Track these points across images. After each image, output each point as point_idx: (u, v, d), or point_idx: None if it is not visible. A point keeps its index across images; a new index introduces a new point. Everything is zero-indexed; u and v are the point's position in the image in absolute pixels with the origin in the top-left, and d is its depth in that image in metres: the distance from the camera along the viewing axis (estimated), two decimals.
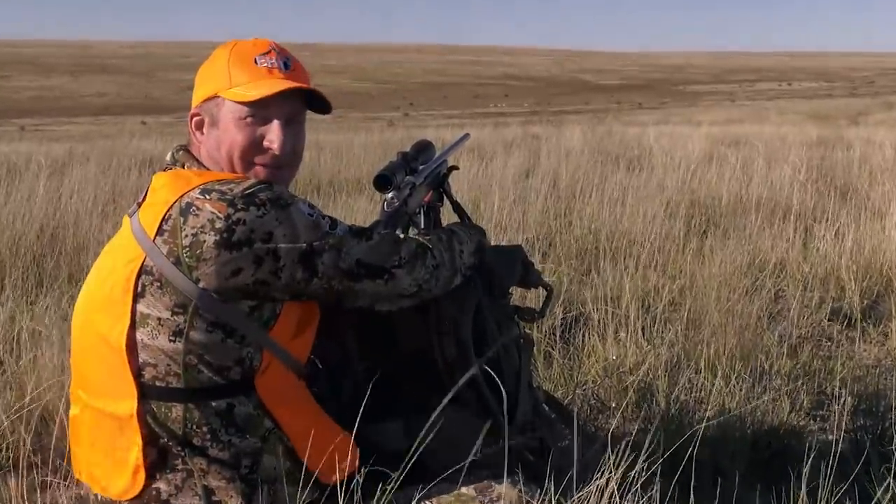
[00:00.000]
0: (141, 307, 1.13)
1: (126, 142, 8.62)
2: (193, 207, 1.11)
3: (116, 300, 1.15)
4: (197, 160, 1.23)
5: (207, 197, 1.11)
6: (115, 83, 79.85)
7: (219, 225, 1.09)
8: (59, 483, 1.73)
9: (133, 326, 1.13)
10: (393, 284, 1.20)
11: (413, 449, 1.19)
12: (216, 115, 1.21)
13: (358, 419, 1.19)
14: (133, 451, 1.14)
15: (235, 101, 1.19)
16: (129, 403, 1.13)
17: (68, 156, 6.82)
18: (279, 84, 1.18)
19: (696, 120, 15.00)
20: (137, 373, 1.14)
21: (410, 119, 30.19)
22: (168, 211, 1.12)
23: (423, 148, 1.64)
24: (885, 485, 1.58)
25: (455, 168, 1.71)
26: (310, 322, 1.21)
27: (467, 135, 1.98)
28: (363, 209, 4.19)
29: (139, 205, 1.20)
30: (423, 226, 1.63)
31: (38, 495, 1.59)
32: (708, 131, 9.72)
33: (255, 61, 1.20)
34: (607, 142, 8.07)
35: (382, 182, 1.48)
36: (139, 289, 1.13)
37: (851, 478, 1.61)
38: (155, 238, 1.12)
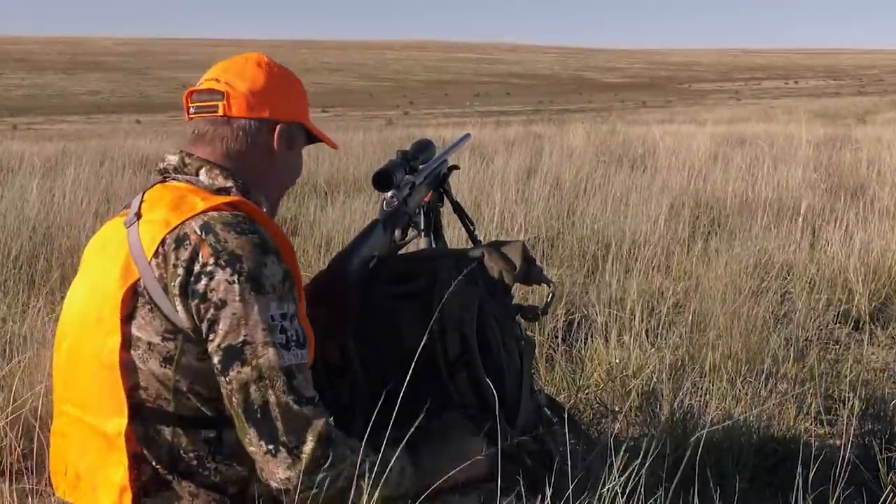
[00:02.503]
0: (132, 329, 1.11)
1: (120, 141, 8.62)
2: (188, 241, 1.10)
3: (106, 318, 1.12)
4: (217, 165, 1.19)
5: (203, 236, 1.09)
6: (109, 81, 79.86)
7: (194, 268, 1.08)
8: (49, 490, 1.70)
9: (124, 346, 1.11)
10: (270, 459, 1.06)
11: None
12: (296, 138, 1.25)
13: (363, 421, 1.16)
14: (119, 470, 1.11)
15: (316, 138, 1.27)
16: (117, 422, 1.10)
17: (61, 155, 6.81)
18: (328, 132, 1.29)
19: (701, 119, 14.96)
20: (129, 392, 1.11)
21: (410, 117, 30.16)
22: (167, 234, 1.10)
23: (424, 147, 1.62)
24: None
25: (456, 168, 1.70)
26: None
27: (468, 135, 1.97)
28: (361, 209, 4.16)
29: (137, 215, 1.16)
30: (422, 226, 1.60)
31: (29, 502, 1.56)
32: (713, 130, 9.67)
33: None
34: (611, 141, 8.04)
35: (381, 180, 1.46)
36: (130, 310, 1.11)
37: (860, 484, 1.58)
38: (151, 259, 1.10)
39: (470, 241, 1.73)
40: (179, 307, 1.08)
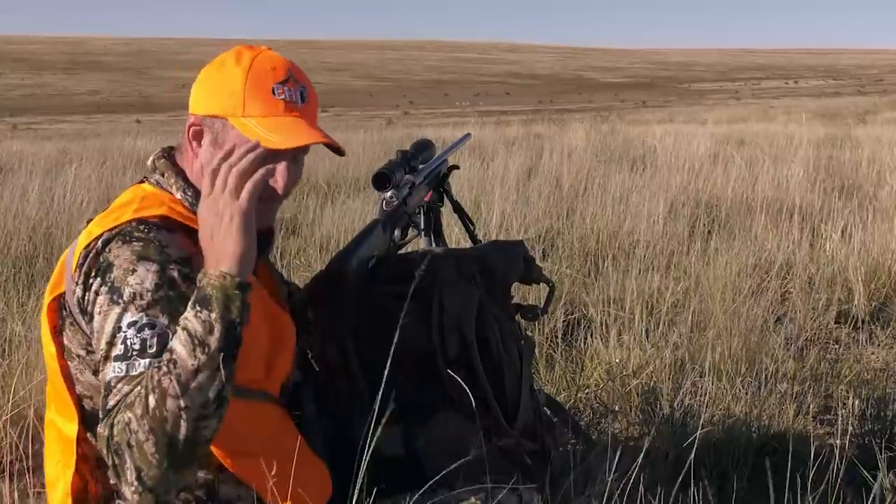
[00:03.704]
0: (64, 340, 1.09)
1: (120, 140, 8.60)
2: (91, 254, 1.06)
3: (42, 327, 1.11)
4: (180, 172, 1.15)
5: (100, 249, 1.05)
6: (109, 81, 79.99)
7: (88, 282, 1.04)
8: None
9: (61, 356, 1.10)
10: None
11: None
12: (221, 136, 1.11)
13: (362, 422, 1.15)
14: (67, 474, 1.09)
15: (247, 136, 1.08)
16: (72, 427, 1.09)
17: (62, 154, 6.81)
18: (301, 134, 1.09)
19: (701, 118, 14.96)
20: (75, 400, 1.10)
21: (410, 117, 30.17)
22: (86, 247, 1.07)
23: (424, 147, 1.62)
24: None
25: (455, 167, 1.70)
26: (283, 349, 1.15)
27: (468, 134, 1.97)
28: (361, 209, 4.16)
29: (88, 221, 1.14)
30: (422, 226, 1.60)
31: (31, 501, 1.56)
32: (713, 130, 9.67)
33: (273, 91, 1.10)
34: (611, 141, 8.03)
35: (381, 180, 1.45)
36: (59, 322, 1.09)
37: (860, 484, 1.58)
38: (74, 272, 1.07)
39: (470, 241, 1.73)
40: (84, 322, 1.05)
